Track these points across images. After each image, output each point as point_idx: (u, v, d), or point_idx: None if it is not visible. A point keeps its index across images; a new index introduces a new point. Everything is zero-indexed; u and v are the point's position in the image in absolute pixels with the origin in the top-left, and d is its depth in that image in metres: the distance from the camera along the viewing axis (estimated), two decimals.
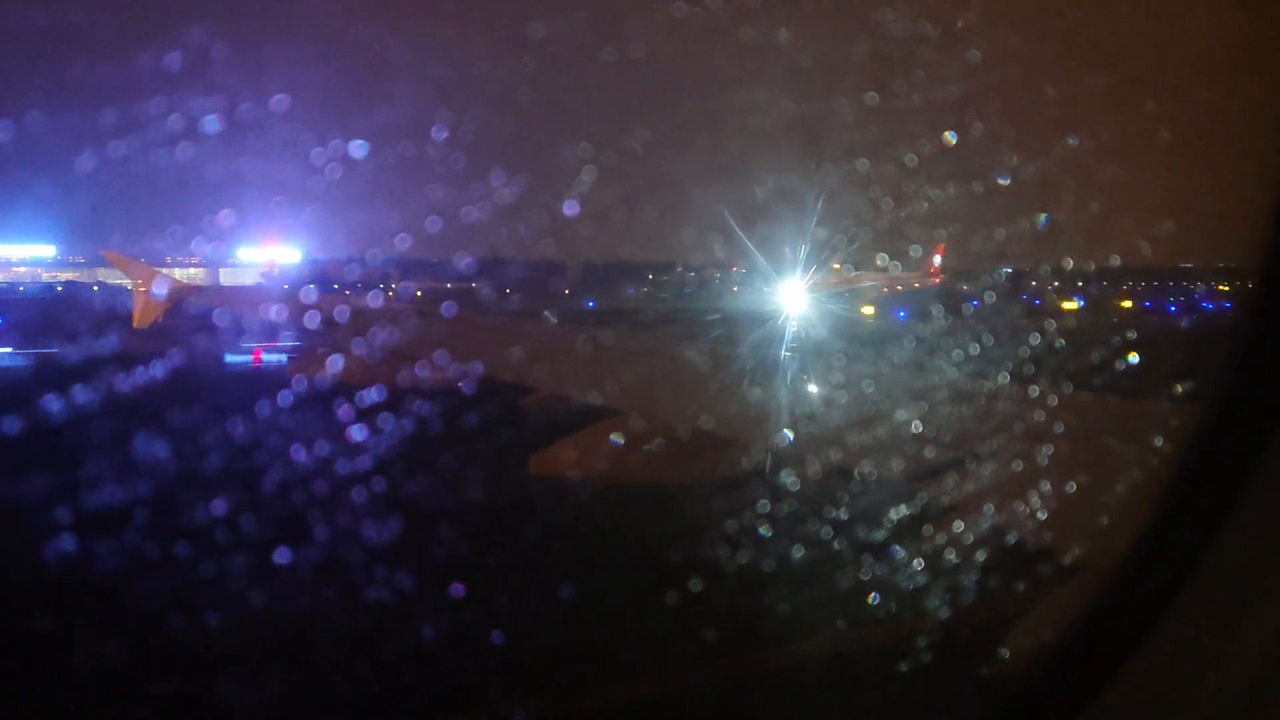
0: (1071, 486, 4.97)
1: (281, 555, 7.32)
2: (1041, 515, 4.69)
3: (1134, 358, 13.33)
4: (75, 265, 49.40)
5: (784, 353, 9.87)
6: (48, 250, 50.47)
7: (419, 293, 38.65)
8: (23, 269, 50.59)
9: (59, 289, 43.89)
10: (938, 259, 58.01)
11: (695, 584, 6.44)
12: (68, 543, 7.53)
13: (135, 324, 17.65)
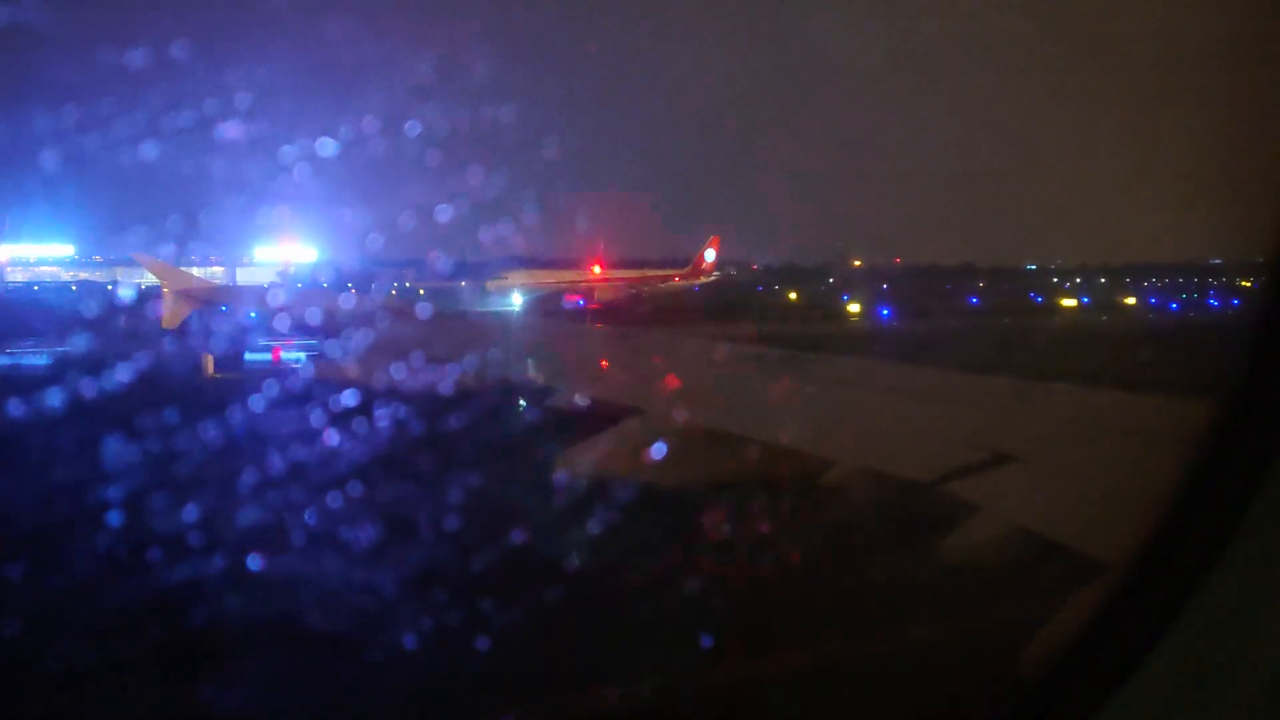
0: None
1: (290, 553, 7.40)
2: None
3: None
4: (94, 265, 49.73)
5: None
6: (66, 250, 50.85)
7: (420, 291, 39.80)
8: (43, 268, 50.95)
9: (73, 289, 44.11)
10: (711, 254, 53.75)
11: None
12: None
13: (164, 324, 17.81)
